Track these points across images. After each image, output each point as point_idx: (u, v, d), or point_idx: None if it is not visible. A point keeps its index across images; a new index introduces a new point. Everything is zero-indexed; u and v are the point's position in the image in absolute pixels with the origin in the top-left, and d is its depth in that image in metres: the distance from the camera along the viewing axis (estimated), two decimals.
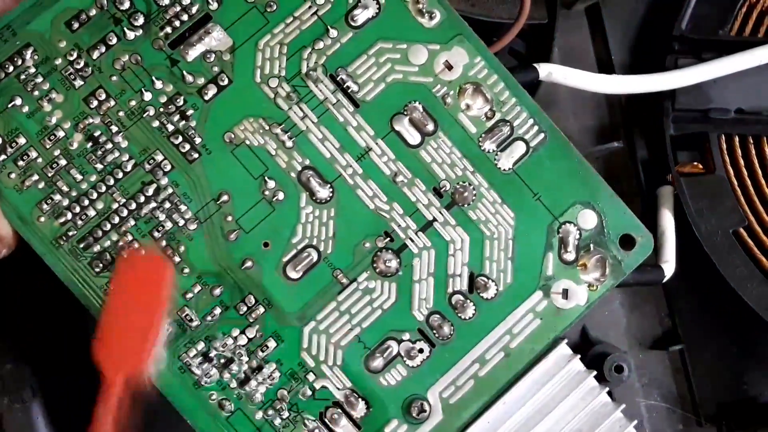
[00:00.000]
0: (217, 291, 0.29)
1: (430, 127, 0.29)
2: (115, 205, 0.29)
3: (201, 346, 0.29)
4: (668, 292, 0.37)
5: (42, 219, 0.29)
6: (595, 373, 0.29)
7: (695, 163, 0.37)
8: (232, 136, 0.29)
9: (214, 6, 0.29)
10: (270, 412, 0.29)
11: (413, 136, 0.29)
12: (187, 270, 0.29)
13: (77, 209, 0.29)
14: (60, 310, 0.34)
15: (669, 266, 0.33)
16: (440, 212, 0.29)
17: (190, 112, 0.29)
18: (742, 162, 0.36)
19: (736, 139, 0.36)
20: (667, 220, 0.35)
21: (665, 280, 0.33)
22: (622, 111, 0.38)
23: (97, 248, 0.29)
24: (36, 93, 0.29)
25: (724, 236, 0.35)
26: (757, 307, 0.34)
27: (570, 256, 0.29)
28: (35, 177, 0.29)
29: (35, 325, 0.35)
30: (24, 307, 0.35)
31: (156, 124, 0.29)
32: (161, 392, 0.29)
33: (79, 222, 0.29)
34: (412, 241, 0.29)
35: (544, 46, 0.36)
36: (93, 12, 0.29)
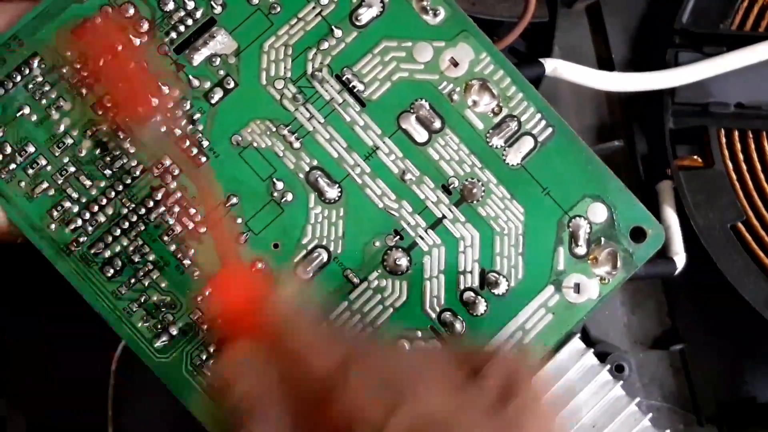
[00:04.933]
0: None
1: (437, 124, 0.27)
2: (124, 211, 0.26)
3: (213, 348, 0.26)
4: (668, 290, 0.35)
5: (53, 226, 0.26)
6: (608, 366, 0.27)
7: (694, 157, 0.34)
8: (240, 138, 0.27)
9: (218, 10, 0.27)
10: None
11: (420, 134, 0.27)
12: (197, 273, 0.26)
13: (87, 215, 0.26)
14: (60, 311, 0.32)
15: (680, 258, 0.31)
16: (449, 209, 0.27)
17: (197, 116, 0.27)
18: (741, 156, 0.34)
19: (736, 133, 0.34)
20: (671, 214, 0.33)
21: (677, 272, 0.31)
22: (622, 107, 0.36)
23: (107, 254, 0.26)
24: (44, 102, 0.26)
25: (722, 231, 0.33)
26: (755, 303, 0.32)
27: (581, 250, 0.27)
28: (45, 185, 0.26)
29: (34, 325, 0.34)
30: (23, 306, 0.34)
31: (163, 129, 0.27)
32: (173, 393, 0.26)
33: (90, 228, 0.26)
34: (422, 238, 0.27)
35: (544, 45, 0.34)
36: (98, 20, 0.27)
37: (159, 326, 0.26)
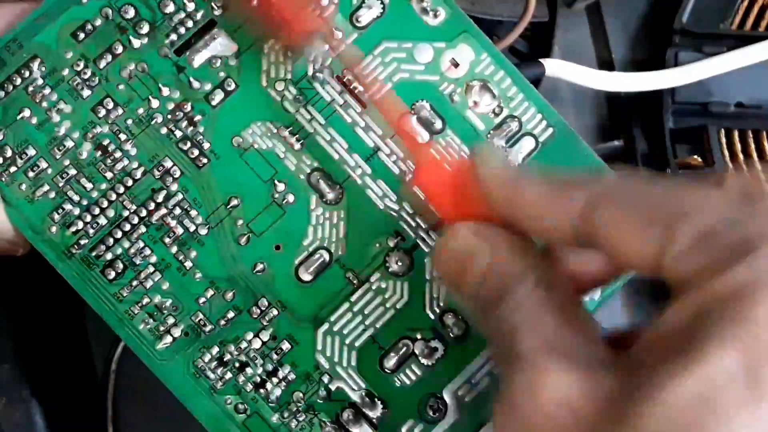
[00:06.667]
0: (230, 295, 0.26)
1: (438, 125, 0.27)
2: (125, 213, 0.26)
3: (215, 350, 0.26)
4: (669, 290, 0.35)
5: (54, 229, 0.26)
6: None
7: (694, 157, 0.34)
8: (240, 140, 0.27)
9: (218, 12, 0.27)
10: (286, 414, 0.26)
11: (421, 135, 0.27)
12: (199, 275, 0.26)
13: (88, 218, 0.26)
14: (59, 310, 0.32)
15: None
16: None
17: (197, 118, 0.27)
18: (741, 157, 0.33)
19: (736, 133, 0.34)
20: None
21: None
22: (622, 107, 0.36)
23: (109, 256, 0.26)
24: (44, 104, 0.26)
25: None
26: None
27: None
28: (46, 187, 0.26)
29: (34, 325, 0.34)
30: (23, 306, 0.33)
31: (164, 131, 0.26)
32: (176, 396, 0.26)
33: (91, 231, 0.26)
34: (424, 239, 0.27)
35: (544, 44, 0.34)
36: (98, 22, 0.27)
37: (161, 329, 0.26)
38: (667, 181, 0.19)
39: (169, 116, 0.27)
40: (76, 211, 0.26)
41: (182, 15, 0.27)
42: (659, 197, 0.18)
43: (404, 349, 0.26)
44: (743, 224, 0.17)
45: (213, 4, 0.27)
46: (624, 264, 0.18)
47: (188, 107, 0.27)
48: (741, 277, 0.16)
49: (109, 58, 0.26)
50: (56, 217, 0.26)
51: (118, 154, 0.26)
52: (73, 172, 0.26)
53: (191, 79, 0.27)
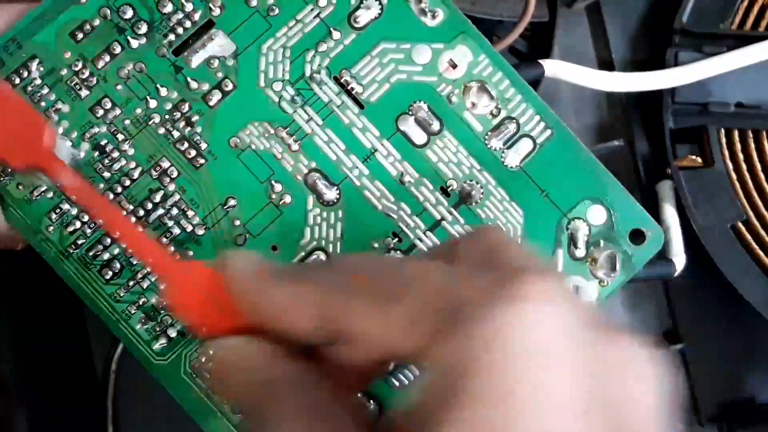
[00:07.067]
0: None
1: (436, 126, 0.27)
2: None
3: (212, 350, 0.26)
4: (668, 290, 0.35)
5: (51, 229, 0.26)
6: None
7: (694, 157, 0.34)
8: (238, 140, 0.27)
9: (216, 12, 0.27)
10: None
11: (419, 136, 0.27)
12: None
13: (86, 218, 0.26)
14: (59, 310, 0.32)
15: (679, 260, 0.31)
16: (448, 211, 0.27)
17: (195, 118, 0.27)
18: (741, 156, 0.33)
19: (736, 133, 0.33)
20: (671, 215, 0.33)
21: (677, 273, 0.31)
22: (622, 107, 0.36)
23: (106, 256, 0.26)
24: (43, 104, 0.26)
25: (722, 231, 0.33)
26: (755, 302, 0.32)
27: (580, 252, 0.27)
28: (44, 187, 0.26)
29: (34, 325, 0.34)
30: (23, 306, 0.33)
31: (162, 131, 0.26)
32: (171, 395, 0.26)
33: (88, 230, 0.26)
34: (421, 240, 0.27)
35: (544, 44, 0.34)
36: (97, 22, 0.26)
37: (157, 329, 0.26)
38: (388, 259, 0.19)
39: (167, 116, 0.26)
40: (74, 211, 0.26)
41: (180, 15, 0.27)
42: (381, 275, 0.18)
43: None
44: (454, 292, 0.16)
45: (211, 4, 0.27)
46: (371, 353, 0.18)
47: (186, 107, 0.26)
48: (452, 348, 0.16)
49: (108, 58, 0.26)
50: (54, 217, 0.26)
51: (115, 154, 0.26)
52: None
53: (189, 79, 0.26)
